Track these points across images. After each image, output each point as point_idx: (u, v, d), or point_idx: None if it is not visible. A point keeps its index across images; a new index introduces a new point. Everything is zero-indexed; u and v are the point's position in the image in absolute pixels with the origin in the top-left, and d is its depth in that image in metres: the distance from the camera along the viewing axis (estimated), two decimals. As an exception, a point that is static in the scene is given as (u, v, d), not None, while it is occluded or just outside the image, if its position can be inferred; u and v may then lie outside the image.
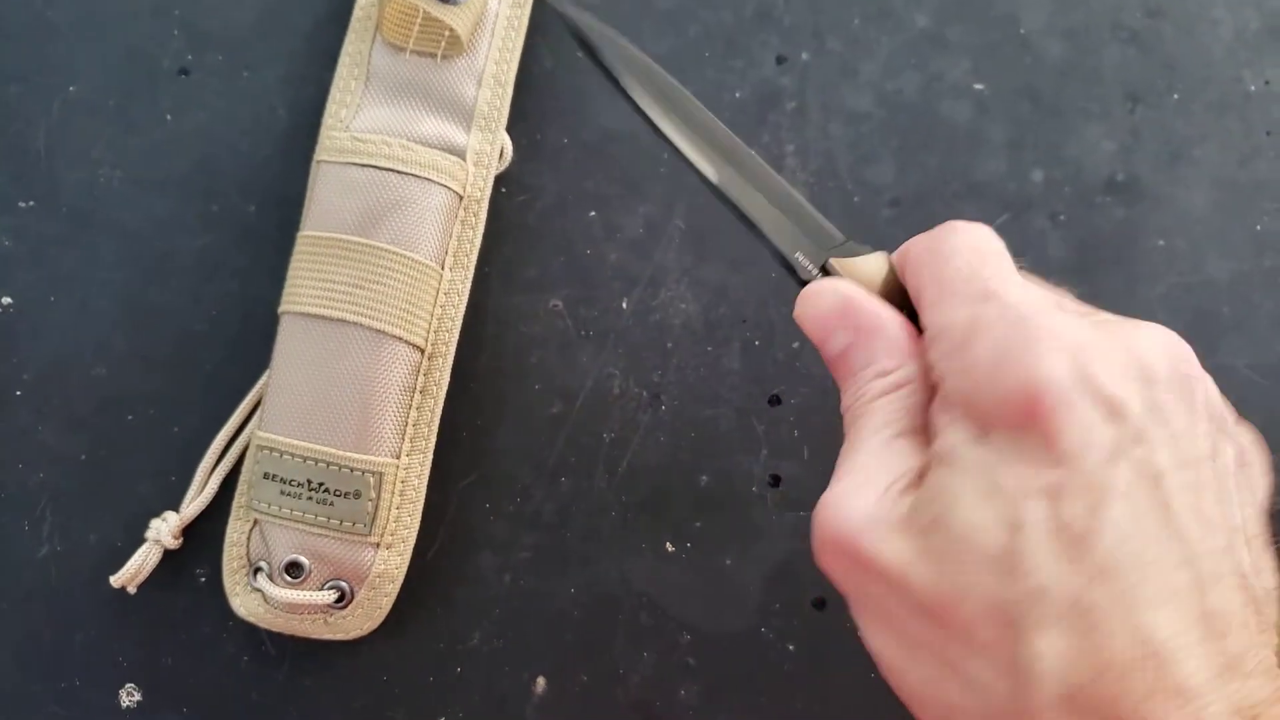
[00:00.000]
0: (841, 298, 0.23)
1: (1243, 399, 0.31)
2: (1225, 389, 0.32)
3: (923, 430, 0.21)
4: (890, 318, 0.23)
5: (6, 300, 0.32)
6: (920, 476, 0.20)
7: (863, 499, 0.20)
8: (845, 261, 0.24)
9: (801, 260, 0.25)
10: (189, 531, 0.31)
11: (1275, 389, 0.31)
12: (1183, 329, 0.32)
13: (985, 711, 0.18)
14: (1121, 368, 0.19)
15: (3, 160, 0.33)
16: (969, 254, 0.22)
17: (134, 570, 0.30)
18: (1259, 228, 0.32)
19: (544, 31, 0.33)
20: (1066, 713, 0.17)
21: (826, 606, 0.31)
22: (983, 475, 0.19)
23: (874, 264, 0.24)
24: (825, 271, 0.24)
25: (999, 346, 0.20)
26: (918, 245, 0.23)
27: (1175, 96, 0.33)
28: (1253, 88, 0.33)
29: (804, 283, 0.24)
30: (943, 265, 0.22)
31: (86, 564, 0.31)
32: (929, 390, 0.22)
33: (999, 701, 0.18)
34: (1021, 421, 0.19)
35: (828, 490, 0.21)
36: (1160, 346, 0.20)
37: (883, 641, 0.20)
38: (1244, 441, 0.21)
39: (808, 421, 0.31)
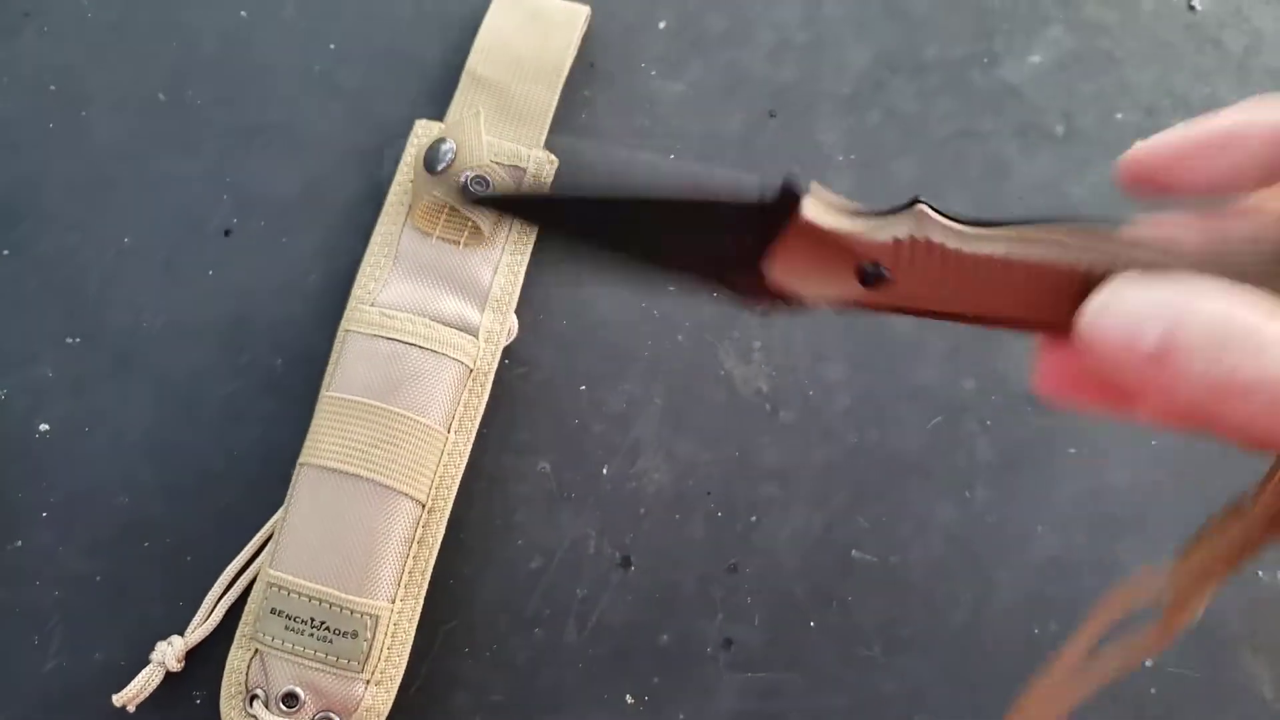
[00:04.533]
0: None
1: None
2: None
3: None
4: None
5: (44, 427, 0.37)
6: None
7: None
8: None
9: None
10: (190, 653, 0.35)
11: (1165, 588, 0.37)
12: (1087, 528, 0.38)
13: None
14: None
15: (56, 299, 0.38)
16: None
17: (136, 690, 0.34)
18: (1154, 443, 0.39)
19: (552, 227, 0.40)
20: None
21: (767, 762, 0.35)
22: None
23: None
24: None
25: None
26: None
27: (1088, 325, 0.40)
28: (1153, 323, 0.40)
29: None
30: None
31: (89, 680, 0.35)
32: None
33: None
34: None
35: None
36: None
37: None
38: None
39: (760, 589, 0.37)
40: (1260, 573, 0.38)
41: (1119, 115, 0.42)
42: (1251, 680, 0.36)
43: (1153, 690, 0.36)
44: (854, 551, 0.37)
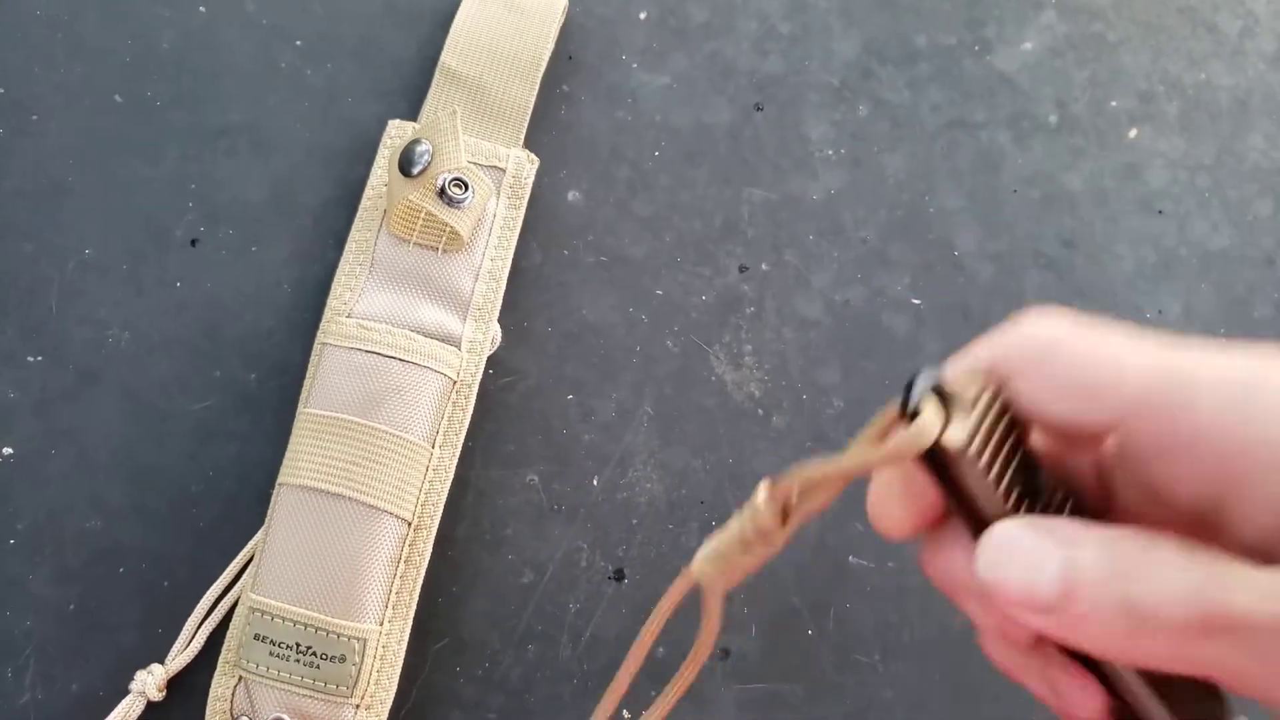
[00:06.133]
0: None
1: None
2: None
3: None
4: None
5: (7, 451, 0.37)
6: None
7: None
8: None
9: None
10: (171, 681, 0.35)
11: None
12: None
13: None
14: None
15: (14, 315, 0.38)
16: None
17: (117, 722, 0.34)
18: (1152, 440, 0.40)
19: (534, 230, 0.40)
20: None
21: (767, 774, 0.36)
22: None
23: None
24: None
25: None
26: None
27: (1084, 319, 0.41)
28: (1148, 315, 0.41)
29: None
30: None
31: (66, 713, 0.35)
32: None
33: None
34: None
35: None
36: None
37: None
38: None
39: (757, 599, 0.37)
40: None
41: (1113, 102, 0.43)
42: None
43: (1152, 689, 0.37)
44: (851, 558, 0.38)
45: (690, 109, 0.42)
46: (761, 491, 0.21)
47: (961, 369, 0.20)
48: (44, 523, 0.36)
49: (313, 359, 0.36)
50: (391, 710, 0.34)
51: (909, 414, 0.19)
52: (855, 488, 0.38)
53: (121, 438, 0.37)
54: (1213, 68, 0.43)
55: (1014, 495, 0.20)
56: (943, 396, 0.19)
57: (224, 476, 0.37)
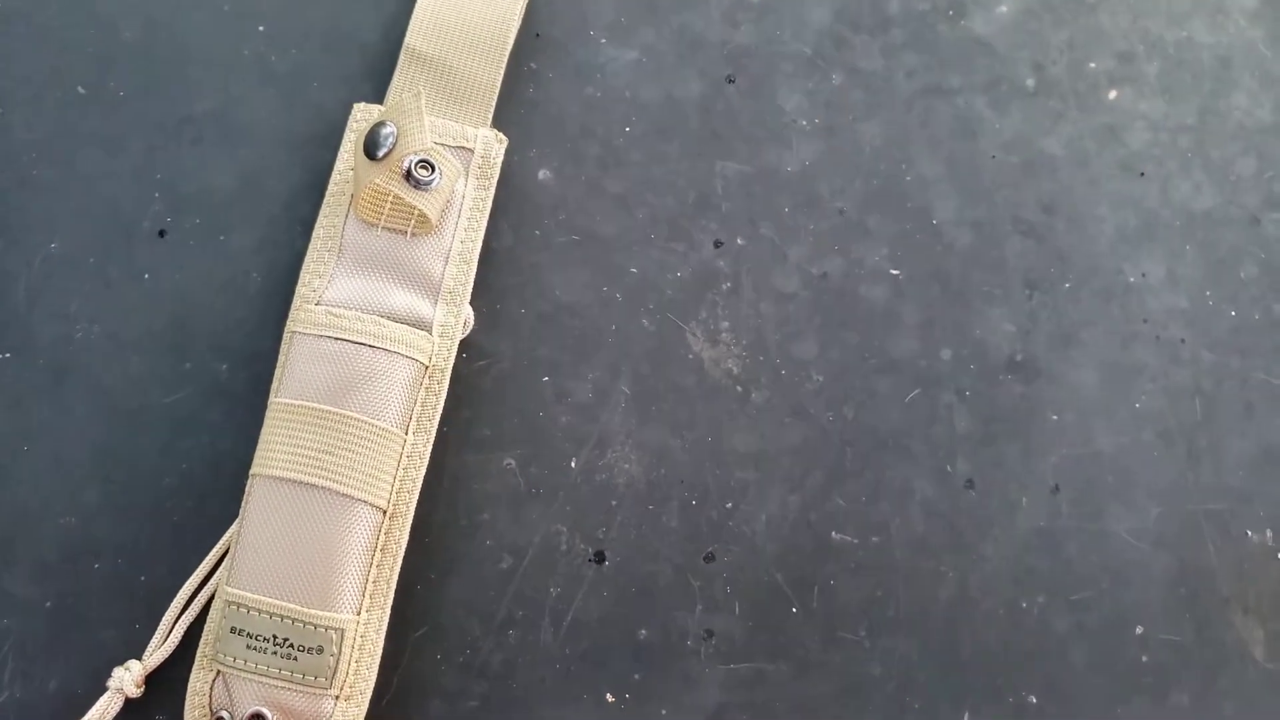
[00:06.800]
0: None
1: (1123, 563, 0.38)
2: (1107, 554, 0.38)
3: None
4: None
5: (-22, 449, 0.36)
6: None
7: None
8: None
9: None
10: (150, 677, 0.35)
11: (1152, 554, 0.38)
12: (1072, 497, 0.38)
13: None
14: None
15: (-19, 313, 0.38)
16: None
17: (95, 719, 0.34)
18: (1138, 405, 0.39)
19: (505, 211, 0.39)
20: None
21: (754, 753, 0.36)
22: None
23: None
24: None
25: None
26: None
27: (1067, 285, 0.41)
28: (1132, 279, 0.41)
29: None
30: None
31: (45, 711, 0.35)
32: None
33: None
34: None
35: None
36: None
37: None
38: None
39: (739, 578, 0.37)
40: (1249, 532, 0.38)
41: (1092, 64, 0.42)
42: (1242, 642, 0.37)
43: (1144, 659, 0.37)
44: (834, 533, 0.37)
45: (661, 83, 0.41)
46: None
47: None
48: (18, 521, 0.36)
49: (282, 347, 0.36)
50: (372, 700, 0.34)
51: None
52: (838, 472, 0.38)
53: (94, 433, 0.37)
54: (1194, 25, 0.43)
55: None
56: None
57: (198, 469, 0.37)
